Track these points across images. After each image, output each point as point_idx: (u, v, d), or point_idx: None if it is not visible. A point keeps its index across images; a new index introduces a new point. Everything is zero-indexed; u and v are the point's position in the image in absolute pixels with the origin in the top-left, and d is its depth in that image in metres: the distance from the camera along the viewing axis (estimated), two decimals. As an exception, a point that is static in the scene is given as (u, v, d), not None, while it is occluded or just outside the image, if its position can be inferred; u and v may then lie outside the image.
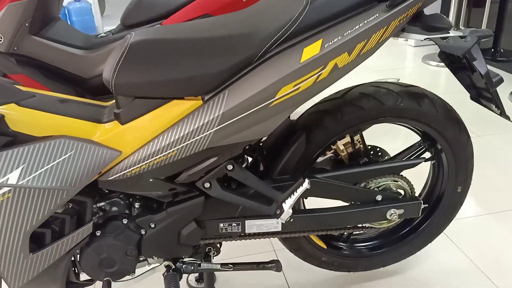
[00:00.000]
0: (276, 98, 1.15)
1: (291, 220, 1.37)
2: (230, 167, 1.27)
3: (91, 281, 1.38)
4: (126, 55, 1.11)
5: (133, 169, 1.20)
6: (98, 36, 2.27)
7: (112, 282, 1.32)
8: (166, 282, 1.34)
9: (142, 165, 1.20)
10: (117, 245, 1.30)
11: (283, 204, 1.32)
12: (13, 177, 1.10)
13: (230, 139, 1.20)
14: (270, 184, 1.34)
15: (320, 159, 1.55)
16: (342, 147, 1.54)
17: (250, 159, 1.49)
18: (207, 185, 1.29)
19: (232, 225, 1.39)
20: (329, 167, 1.58)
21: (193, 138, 1.17)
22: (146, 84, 1.14)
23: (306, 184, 1.30)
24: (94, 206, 1.30)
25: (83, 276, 1.36)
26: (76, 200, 1.23)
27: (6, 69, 1.99)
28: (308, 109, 1.45)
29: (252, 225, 1.40)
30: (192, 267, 1.43)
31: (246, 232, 1.41)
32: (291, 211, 1.32)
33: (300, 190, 1.30)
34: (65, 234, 1.24)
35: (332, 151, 1.57)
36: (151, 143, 1.18)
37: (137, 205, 1.34)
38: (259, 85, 1.14)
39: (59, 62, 2.05)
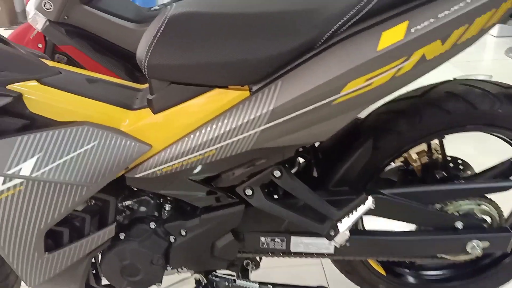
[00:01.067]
0: (341, 94, 0.92)
1: (348, 245, 1.13)
2: (277, 173, 1.06)
3: (112, 287, 1.23)
4: (163, 30, 0.92)
5: (165, 167, 1.02)
6: (152, 9, 2.12)
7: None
8: None
9: (174, 164, 1.01)
10: (142, 251, 1.13)
11: (339, 224, 1.08)
12: (26, 168, 0.95)
13: (279, 141, 0.98)
14: (324, 196, 1.11)
15: (386, 167, 1.29)
16: (415, 156, 1.27)
17: (301, 161, 1.26)
18: (248, 192, 1.08)
19: (275, 240, 1.18)
20: (396, 179, 1.32)
21: (235, 137, 0.97)
22: (184, 67, 0.94)
23: (369, 203, 1.06)
24: (119, 204, 1.14)
25: (105, 280, 1.21)
26: (99, 197, 1.07)
27: (55, 39, 1.88)
28: (378, 107, 1.20)
29: (298, 243, 1.18)
30: (226, 283, 1.23)
31: (291, 250, 1.19)
32: (348, 233, 1.08)
33: (362, 209, 1.06)
34: (84, 234, 1.09)
35: (402, 159, 1.30)
36: (187, 139, 0.99)
37: (167, 207, 1.16)
38: (322, 76, 0.91)
39: (109, 35, 1.92)
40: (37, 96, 0.99)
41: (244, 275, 1.27)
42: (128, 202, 1.15)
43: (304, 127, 0.96)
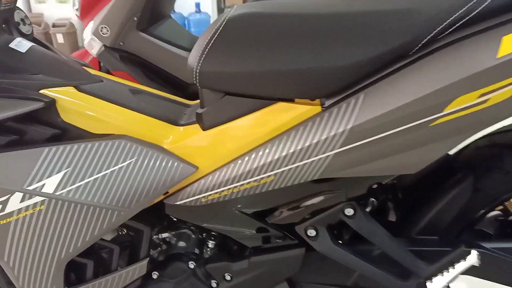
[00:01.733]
0: (444, 113, 0.70)
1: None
2: (349, 211, 0.84)
3: None
4: (220, 33, 0.77)
5: (211, 194, 0.84)
6: None
7: None
8: None
9: (223, 191, 0.83)
10: (178, 297, 0.93)
11: (429, 284, 0.84)
12: (51, 184, 0.80)
13: (356, 170, 0.77)
14: (407, 246, 0.88)
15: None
16: (521, 205, 1.01)
17: (374, 201, 1.04)
18: (311, 232, 0.87)
19: (341, 297, 0.94)
20: (492, 231, 1.05)
21: (301, 162, 0.77)
22: (242, 76, 0.77)
23: (473, 258, 0.81)
24: (154, 237, 0.96)
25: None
26: (131, 226, 0.90)
27: (109, 64, 1.84)
28: (477, 140, 0.96)
29: (370, 303, 0.94)
30: None
31: (364, 313, 0.95)
32: (441, 295, 0.83)
33: (462, 266, 0.81)
34: (111, 270, 0.92)
35: (501, 207, 1.04)
36: (240, 161, 0.81)
37: (211, 244, 0.97)
38: (418, 90, 0.71)
39: (163, 63, 1.85)
40: (72, 103, 0.85)
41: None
42: (165, 235, 0.97)
43: (390, 154, 0.75)
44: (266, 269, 0.91)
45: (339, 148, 0.75)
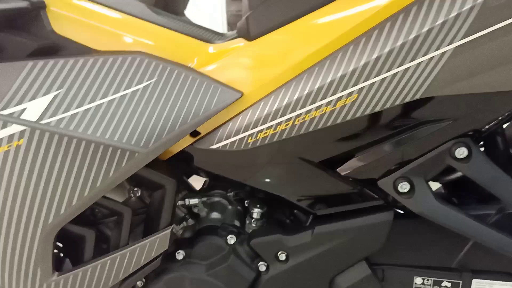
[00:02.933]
0: None
1: None
2: (461, 152, 0.58)
3: None
4: None
5: (263, 130, 0.58)
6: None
7: None
8: None
9: (281, 123, 0.58)
10: (212, 285, 0.66)
11: None
12: (34, 109, 0.56)
13: (484, 81, 0.52)
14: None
15: None
16: None
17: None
18: (404, 187, 0.60)
19: (442, 285, 0.66)
20: None
21: (401, 66, 0.52)
22: None
23: None
24: (179, 202, 0.70)
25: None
26: (149, 180, 0.64)
27: None
28: None
29: (485, 292, 0.66)
30: None
31: (469, 305, 0.67)
32: None
33: None
34: (120, 245, 0.65)
35: None
36: (307, 76, 0.56)
37: (256, 212, 0.70)
38: None
39: None
40: (68, 9, 0.62)
41: None
42: (193, 201, 0.71)
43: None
44: (337, 243, 0.64)
45: (462, 38, 0.50)
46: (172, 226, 0.65)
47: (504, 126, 0.75)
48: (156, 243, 0.64)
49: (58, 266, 0.67)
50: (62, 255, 0.72)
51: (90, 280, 0.65)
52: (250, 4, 0.62)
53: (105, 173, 0.58)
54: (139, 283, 0.69)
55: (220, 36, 0.72)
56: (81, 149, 0.57)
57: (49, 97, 0.56)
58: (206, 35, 0.71)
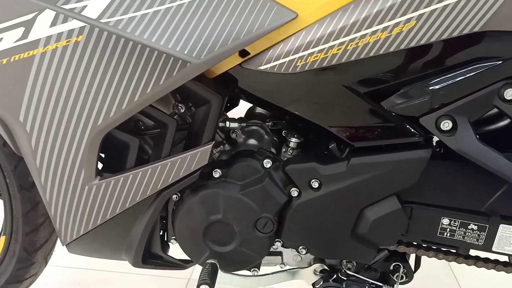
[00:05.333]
0: None
1: None
2: (510, 93, 0.58)
3: (186, 262, 0.79)
4: None
5: (313, 52, 0.59)
6: None
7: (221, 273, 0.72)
8: None
9: (333, 47, 0.58)
10: (245, 204, 0.69)
11: None
12: (95, 7, 0.57)
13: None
14: None
15: None
16: None
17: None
18: (446, 125, 0.61)
19: (469, 228, 0.68)
20: None
21: None
22: None
23: None
24: (220, 124, 0.72)
25: (176, 250, 0.78)
26: (196, 93, 0.66)
27: None
28: None
29: (510, 238, 0.67)
30: (364, 291, 0.74)
31: (492, 249, 0.68)
32: None
33: None
34: (162, 155, 0.68)
35: None
36: (364, 0, 0.56)
37: (293, 141, 0.72)
38: None
39: None
40: None
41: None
42: (234, 125, 0.73)
43: None
44: (371, 175, 0.66)
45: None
46: (213, 142, 0.66)
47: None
48: (197, 157, 0.66)
49: (100, 172, 0.70)
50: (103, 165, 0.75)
51: (130, 187, 0.68)
52: None
53: (156, 80, 0.60)
54: (174, 197, 0.72)
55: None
56: (136, 52, 0.58)
57: (108, -1, 0.58)
58: None
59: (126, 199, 0.69)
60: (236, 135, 0.76)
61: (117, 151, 0.69)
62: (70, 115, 0.62)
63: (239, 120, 0.74)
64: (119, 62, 0.58)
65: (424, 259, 0.78)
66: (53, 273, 1.25)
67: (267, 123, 0.76)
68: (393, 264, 0.79)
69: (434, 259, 0.74)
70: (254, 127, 0.76)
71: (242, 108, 0.84)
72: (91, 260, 0.85)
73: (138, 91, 0.60)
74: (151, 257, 0.78)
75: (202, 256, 0.72)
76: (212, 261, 0.69)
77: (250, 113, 0.82)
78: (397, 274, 0.80)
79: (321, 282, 0.70)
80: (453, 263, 0.74)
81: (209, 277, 0.66)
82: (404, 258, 0.80)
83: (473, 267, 0.73)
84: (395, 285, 0.80)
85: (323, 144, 0.74)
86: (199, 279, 0.66)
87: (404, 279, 0.82)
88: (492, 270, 0.73)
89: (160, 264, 0.78)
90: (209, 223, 0.70)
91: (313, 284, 0.73)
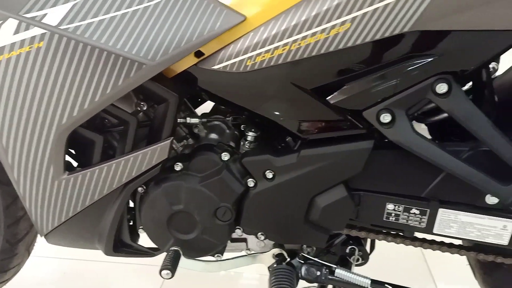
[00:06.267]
0: None
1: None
2: (442, 87, 0.63)
3: (154, 250, 0.84)
4: None
5: (261, 52, 0.64)
6: None
7: (183, 259, 0.77)
8: (272, 279, 0.74)
9: (278, 47, 0.63)
10: (204, 194, 0.74)
11: (543, 186, 0.63)
12: (54, 15, 0.61)
13: (469, 18, 0.57)
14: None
15: None
16: None
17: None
18: (385, 118, 0.66)
19: (411, 212, 0.74)
20: None
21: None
22: None
23: None
24: (182, 121, 0.77)
25: (145, 239, 0.83)
26: (154, 92, 0.70)
27: None
28: None
29: (449, 221, 0.73)
30: (319, 273, 0.80)
31: (433, 231, 0.74)
32: (558, 204, 0.62)
33: None
34: (125, 151, 0.73)
35: None
36: (306, 2, 0.61)
37: (251, 136, 0.77)
38: None
39: None
40: None
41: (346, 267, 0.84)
42: (194, 121, 0.78)
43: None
44: (319, 166, 0.71)
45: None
46: (172, 138, 0.71)
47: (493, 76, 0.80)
48: (157, 152, 0.71)
49: (69, 168, 0.75)
50: (73, 160, 0.80)
51: (97, 181, 0.73)
52: None
53: (115, 81, 0.64)
54: (140, 189, 0.77)
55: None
56: (94, 56, 0.63)
57: (69, 5, 0.62)
58: None
59: (94, 192, 0.74)
60: (198, 130, 0.81)
61: (84, 147, 0.74)
62: (36, 115, 0.66)
63: (200, 115, 0.79)
64: (78, 65, 0.63)
65: (397, 249, 0.84)
66: (39, 264, 1.31)
67: (227, 118, 0.81)
68: (349, 247, 0.86)
69: (409, 249, 0.80)
70: (216, 122, 0.81)
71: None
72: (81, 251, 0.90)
73: (98, 92, 0.64)
74: (122, 246, 0.83)
75: (167, 244, 0.78)
76: (175, 248, 0.74)
77: (215, 108, 0.87)
78: (353, 256, 0.86)
79: (275, 265, 0.76)
80: (427, 253, 0.79)
81: (171, 263, 0.71)
82: (360, 241, 0.86)
83: (447, 259, 0.78)
84: (351, 266, 0.86)
85: (281, 137, 0.79)
86: (161, 265, 0.71)
87: (360, 261, 0.88)
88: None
89: (131, 252, 0.83)
90: (172, 213, 0.75)
91: (269, 268, 0.78)
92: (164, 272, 0.70)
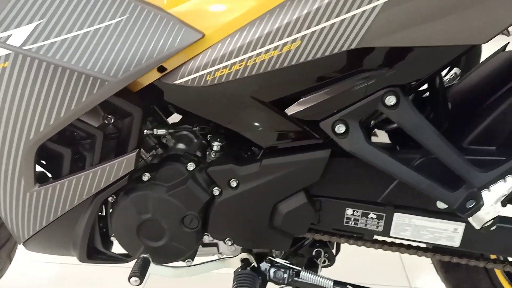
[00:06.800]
0: None
1: (493, 229, 0.70)
2: (391, 100, 0.67)
3: (127, 257, 0.87)
4: None
5: (219, 68, 0.67)
6: None
7: (153, 265, 0.80)
8: (234, 284, 0.77)
9: (235, 63, 0.66)
10: (171, 203, 0.77)
11: (485, 193, 0.66)
12: (18, 36, 0.64)
13: (409, 35, 0.60)
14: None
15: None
16: None
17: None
18: (340, 128, 0.69)
19: (369, 216, 0.77)
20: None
21: (337, 17, 0.60)
22: None
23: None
24: (147, 132, 0.80)
25: (118, 246, 0.86)
26: (119, 108, 0.73)
27: None
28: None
29: (404, 225, 0.76)
30: (285, 275, 0.84)
31: (390, 234, 0.78)
32: (499, 207, 0.66)
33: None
34: (94, 163, 0.75)
35: None
36: (258, 22, 0.64)
37: (216, 145, 0.80)
38: None
39: None
40: None
41: (313, 270, 0.87)
42: (161, 131, 0.80)
43: (455, 9, 0.58)
44: (280, 174, 0.74)
45: (388, -4, 0.57)
46: (137, 150, 0.74)
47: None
48: (123, 164, 0.74)
49: (41, 180, 0.77)
50: (45, 171, 0.82)
51: (67, 192, 0.75)
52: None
53: (79, 98, 0.67)
54: (110, 199, 0.80)
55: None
56: (58, 74, 0.65)
57: (32, 25, 0.64)
58: None
59: (65, 203, 0.76)
60: (166, 140, 0.84)
61: (54, 160, 0.76)
62: (4, 131, 0.69)
63: (168, 127, 0.82)
64: (43, 83, 0.65)
65: (376, 252, 0.87)
66: (23, 269, 1.34)
67: (194, 128, 0.84)
68: (316, 250, 0.89)
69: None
70: (183, 132, 0.84)
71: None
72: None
73: (63, 108, 0.67)
74: (96, 253, 0.86)
75: (138, 251, 0.81)
76: (144, 256, 0.78)
77: (184, 118, 0.89)
78: (320, 258, 0.90)
79: (239, 270, 0.79)
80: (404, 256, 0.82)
81: (139, 270, 0.74)
82: (326, 244, 0.90)
83: (423, 259, 0.83)
84: (318, 268, 0.90)
85: (247, 146, 0.82)
86: (130, 272, 0.74)
87: (327, 263, 0.92)
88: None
89: (104, 258, 0.86)
90: (141, 222, 0.78)
91: (234, 272, 0.82)
92: (133, 279, 0.73)
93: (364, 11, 0.59)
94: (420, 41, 0.60)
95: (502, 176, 0.66)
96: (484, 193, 0.66)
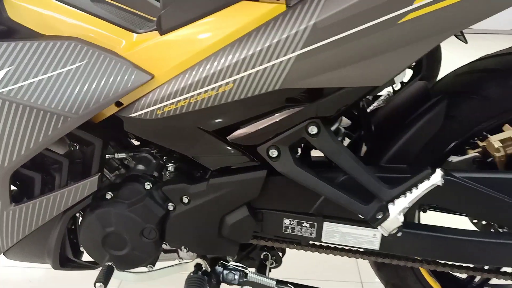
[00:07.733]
0: (414, 6, 0.65)
1: (399, 235, 0.83)
2: (313, 129, 0.79)
3: (95, 264, 0.99)
4: None
5: (167, 105, 0.78)
6: None
7: (117, 271, 0.91)
8: (185, 287, 0.89)
9: (180, 101, 0.77)
10: (131, 218, 0.88)
11: (390, 206, 0.79)
12: (-10, 81, 0.74)
13: (319, 79, 0.72)
14: (374, 172, 0.83)
15: (455, 159, 0.99)
16: (498, 145, 0.96)
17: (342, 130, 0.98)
18: (273, 153, 0.81)
19: (303, 225, 0.90)
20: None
21: (260, 65, 0.72)
22: None
23: (437, 177, 0.76)
24: (109, 156, 0.91)
25: (87, 255, 0.97)
26: (83, 138, 0.84)
27: None
28: (457, 68, 0.91)
29: (333, 232, 0.89)
30: (236, 276, 0.96)
31: (322, 240, 0.90)
32: (401, 218, 0.79)
33: (425, 186, 0.77)
34: (61, 185, 0.87)
35: (479, 149, 0.99)
36: (197, 66, 0.75)
37: (170, 167, 0.92)
38: None
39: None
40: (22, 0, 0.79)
41: (260, 271, 1.00)
42: (121, 155, 0.92)
43: (355, 60, 0.70)
44: (224, 191, 0.86)
45: (301, 48, 0.69)
46: (99, 174, 0.85)
47: (368, 109, 0.96)
48: (87, 186, 0.85)
49: (16, 199, 0.88)
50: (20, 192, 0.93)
51: (39, 210, 0.86)
52: (162, 5, 0.79)
53: (45, 132, 0.77)
54: (78, 215, 0.91)
55: (149, 24, 0.90)
56: (26, 113, 0.76)
57: (3, 72, 0.75)
58: (137, 23, 0.89)
59: (38, 219, 0.87)
60: (128, 162, 0.95)
61: (27, 182, 0.87)
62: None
63: (128, 150, 0.93)
64: (14, 120, 0.76)
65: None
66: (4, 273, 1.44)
67: (152, 151, 0.95)
68: (263, 253, 1.02)
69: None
70: (143, 154, 0.95)
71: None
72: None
73: (32, 140, 0.78)
74: (67, 261, 0.97)
75: (104, 259, 0.92)
76: (108, 264, 0.89)
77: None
78: (268, 260, 1.02)
79: (191, 274, 0.91)
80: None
81: (104, 277, 0.86)
82: (272, 248, 1.02)
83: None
84: (266, 269, 1.02)
85: (200, 166, 0.93)
86: (96, 278, 0.86)
87: (274, 264, 1.04)
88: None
89: (75, 266, 0.98)
90: (106, 234, 0.90)
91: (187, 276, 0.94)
92: (98, 284, 0.85)
93: (281, 61, 0.70)
94: (332, 83, 0.72)
95: (404, 192, 0.79)
96: (390, 206, 0.79)
